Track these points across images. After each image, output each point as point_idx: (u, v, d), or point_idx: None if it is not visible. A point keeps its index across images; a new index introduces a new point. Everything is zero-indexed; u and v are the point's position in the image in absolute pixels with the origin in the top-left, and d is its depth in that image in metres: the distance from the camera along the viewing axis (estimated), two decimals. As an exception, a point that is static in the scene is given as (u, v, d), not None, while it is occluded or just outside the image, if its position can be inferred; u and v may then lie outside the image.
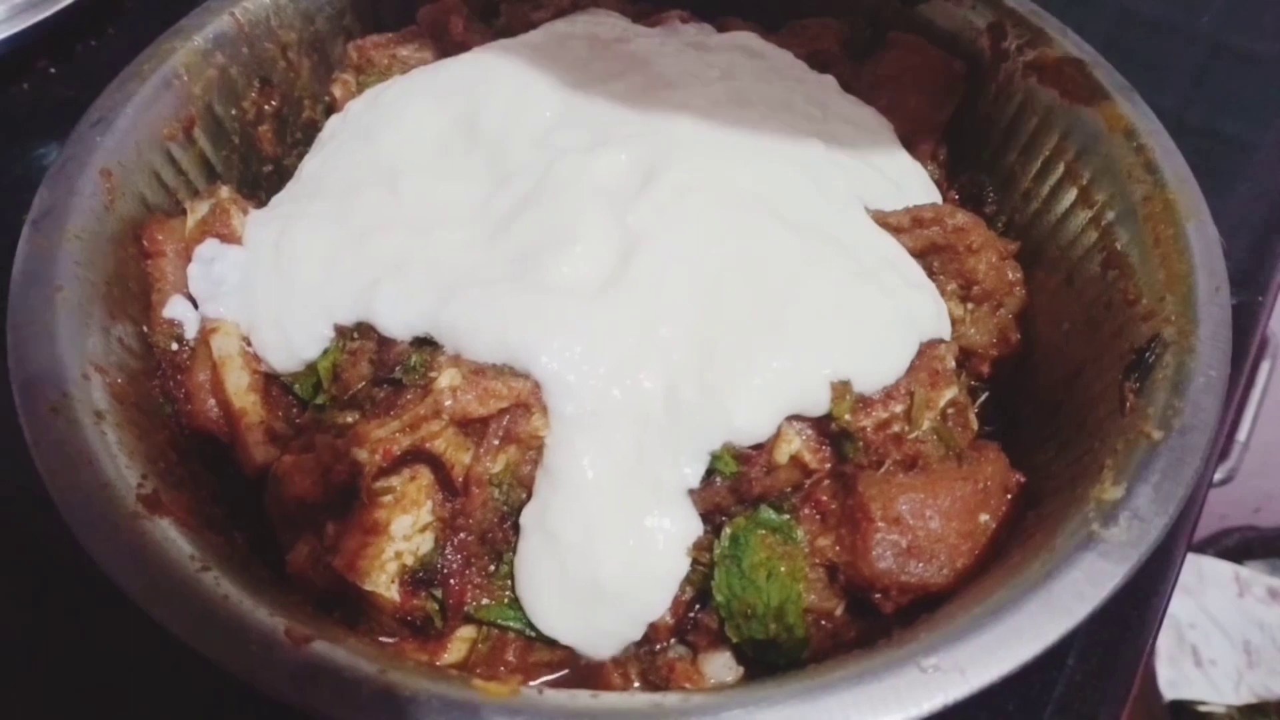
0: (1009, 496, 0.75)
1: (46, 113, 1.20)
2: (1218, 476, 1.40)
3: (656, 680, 0.72)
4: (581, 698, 0.60)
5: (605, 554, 0.69)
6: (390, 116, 0.86)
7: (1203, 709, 1.94)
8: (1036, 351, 0.88)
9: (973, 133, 0.98)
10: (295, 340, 0.77)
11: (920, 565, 0.71)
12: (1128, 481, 0.66)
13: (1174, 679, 2.01)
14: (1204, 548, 2.16)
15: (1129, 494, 0.65)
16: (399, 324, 0.75)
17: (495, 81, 0.87)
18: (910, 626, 0.64)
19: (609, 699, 0.60)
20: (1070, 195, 0.88)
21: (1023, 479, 0.76)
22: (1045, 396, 0.84)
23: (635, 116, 0.86)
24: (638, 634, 0.71)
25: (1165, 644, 2.06)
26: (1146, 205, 0.81)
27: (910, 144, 0.96)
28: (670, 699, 0.59)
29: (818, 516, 0.74)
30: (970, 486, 0.73)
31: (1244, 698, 1.98)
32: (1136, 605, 0.84)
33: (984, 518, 0.73)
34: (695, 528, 0.72)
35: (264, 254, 0.80)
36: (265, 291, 0.79)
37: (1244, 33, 1.33)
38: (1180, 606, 2.04)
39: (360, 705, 0.57)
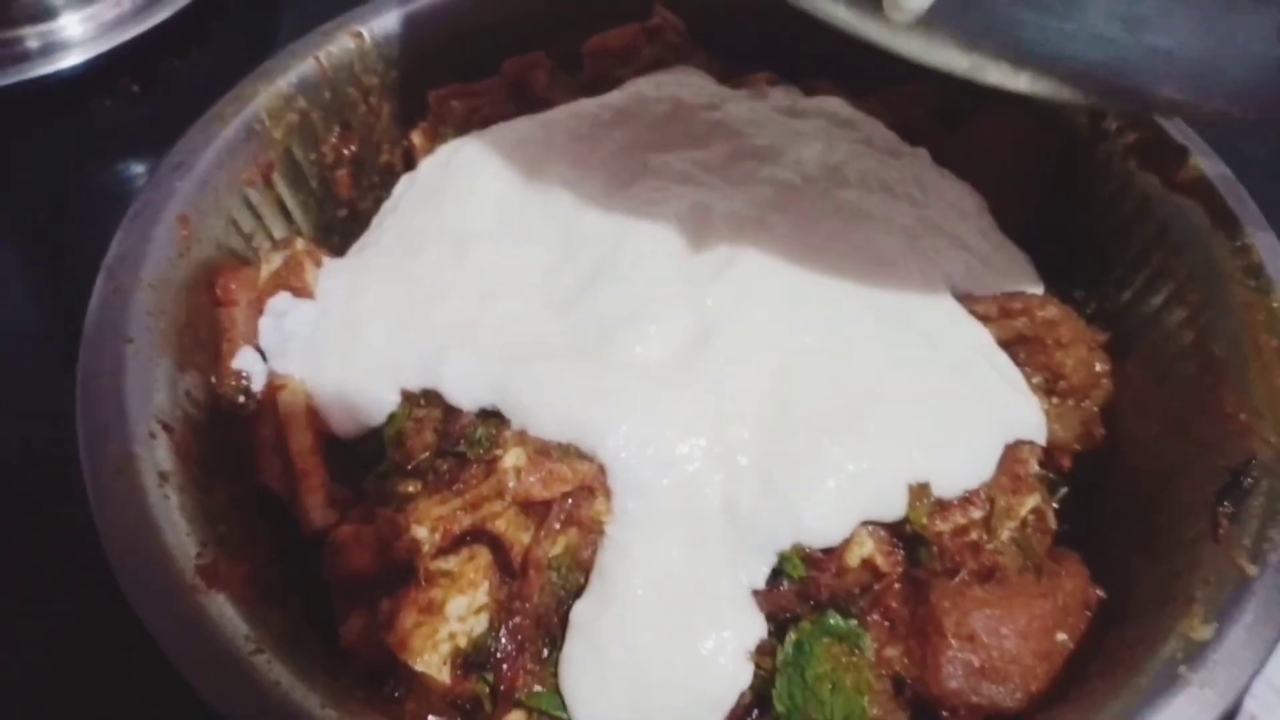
0: (1088, 614, 0.72)
1: (130, 131, 1.21)
2: None
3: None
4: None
5: (654, 671, 0.67)
6: (459, 180, 0.84)
7: None
8: (1123, 449, 0.84)
9: (1066, 213, 0.94)
10: (359, 405, 0.76)
11: (992, 687, 0.68)
12: (1218, 621, 0.63)
13: None
14: None
15: (1219, 636, 0.62)
16: (465, 395, 0.74)
17: (557, 146, 0.85)
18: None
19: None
20: (1165, 290, 0.84)
21: (1103, 595, 0.73)
22: (1132, 500, 0.80)
23: (720, 186, 0.84)
24: None
25: None
26: (1247, 311, 0.77)
27: (997, 220, 0.93)
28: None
29: (886, 624, 0.72)
30: (1049, 604, 0.70)
31: None
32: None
33: (1061, 637, 0.70)
34: (759, 631, 0.69)
35: (334, 311, 0.80)
36: (332, 350, 0.78)
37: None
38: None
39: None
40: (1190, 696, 0.60)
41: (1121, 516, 0.80)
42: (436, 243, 0.81)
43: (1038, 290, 0.89)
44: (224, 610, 0.63)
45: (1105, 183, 0.91)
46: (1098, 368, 0.85)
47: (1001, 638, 0.68)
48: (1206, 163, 0.85)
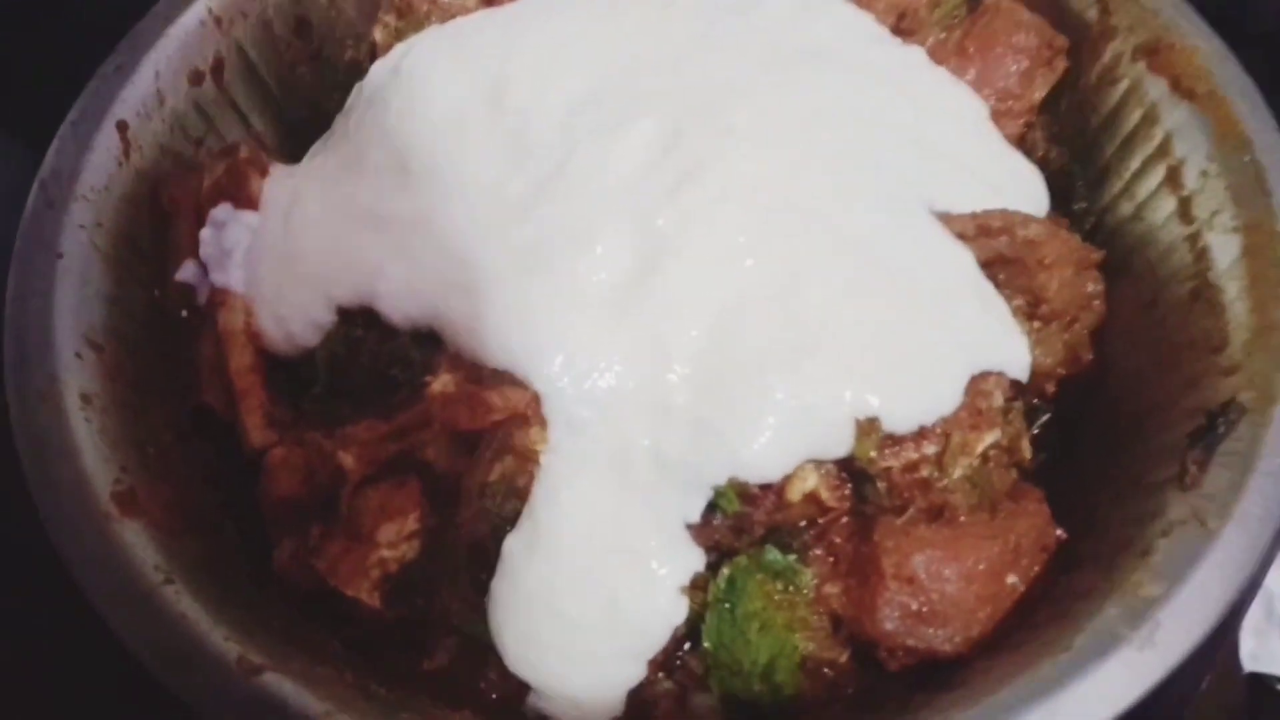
0: (1045, 556, 0.68)
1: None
2: None
3: (641, 713, 0.69)
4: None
5: (583, 610, 0.65)
6: (406, 84, 0.80)
7: None
8: (1110, 375, 0.79)
9: (1069, 117, 0.87)
10: (293, 322, 0.74)
11: (930, 630, 0.65)
12: (1168, 581, 0.59)
13: (1257, 652, 1.90)
14: None
15: (1166, 596, 0.58)
16: (399, 312, 0.71)
17: (526, 46, 0.80)
18: (896, 709, 0.59)
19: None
20: (1169, 205, 0.78)
21: (1064, 535, 0.69)
22: (1110, 435, 0.76)
23: (680, 89, 0.79)
24: (612, 699, 0.67)
25: (1253, 615, 1.94)
26: (1250, 235, 0.71)
27: (996, 124, 0.86)
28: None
29: (830, 560, 0.69)
30: (999, 546, 0.67)
31: None
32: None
33: (1012, 579, 0.67)
34: (693, 565, 0.67)
35: (273, 223, 0.77)
36: (268, 264, 0.75)
37: None
38: (1274, 578, 1.92)
39: (301, 750, 0.55)
40: (1125, 659, 0.56)
41: (1098, 451, 0.76)
42: (378, 151, 0.77)
43: (1042, 208, 0.83)
44: (137, 538, 0.63)
45: (1113, 85, 0.83)
46: (1089, 288, 0.79)
47: (943, 580, 0.65)
48: (1220, 65, 0.77)
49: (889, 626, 0.65)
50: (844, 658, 0.68)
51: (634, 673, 0.67)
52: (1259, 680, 1.87)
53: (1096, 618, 0.59)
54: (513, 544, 0.68)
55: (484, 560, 0.70)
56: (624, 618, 0.66)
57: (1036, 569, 0.67)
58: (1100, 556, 0.65)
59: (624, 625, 0.66)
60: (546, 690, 0.67)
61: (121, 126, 0.78)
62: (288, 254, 0.75)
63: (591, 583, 0.66)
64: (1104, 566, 0.63)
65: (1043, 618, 0.64)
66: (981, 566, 0.66)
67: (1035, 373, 0.78)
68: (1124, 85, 0.82)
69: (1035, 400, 0.80)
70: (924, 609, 0.65)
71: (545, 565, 0.66)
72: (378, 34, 0.91)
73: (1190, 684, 0.80)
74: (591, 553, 0.66)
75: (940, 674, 0.65)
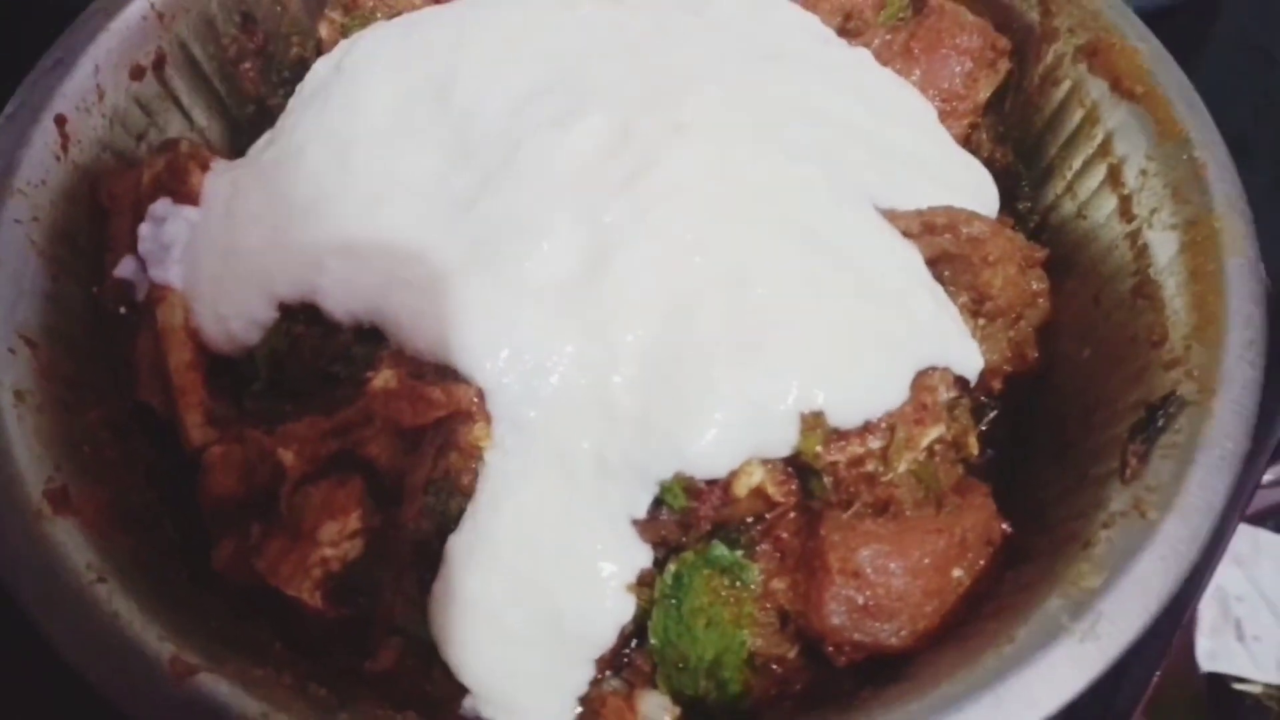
0: (991, 550, 0.69)
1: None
2: (1270, 478, 1.29)
3: (586, 713, 0.68)
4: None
5: (526, 615, 0.64)
6: (348, 80, 0.79)
7: (1239, 686, 1.85)
8: (1056, 372, 0.80)
9: (1013, 117, 0.88)
10: (233, 320, 0.72)
11: (876, 625, 0.65)
12: (1109, 572, 0.59)
13: (1214, 651, 1.92)
14: (1263, 520, 2.05)
15: (1107, 587, 0.58)
16: (341, 308, 0.70)
17: (473, 41, 0.79)
18: (843, 705, 0.59)
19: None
20: (1110, 203, 0.79)
21: (1009, 530, 0.70)
22: (1056, 429, 0.76)
23: (629, 86, 0.78)
24: (555, 712, 0.66)
25: (1209, 615, 1.96)
26: (1188, 231, 0.72)
27: (942, 124, 0.86)
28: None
29: (777, 554, 0.69)
30: (945, 540, 0.67)
31: None
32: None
33: (957, 573, 0.67)
34: (640, 561, 0.66)
35: (213, 218, 0.76)
36: (207, 260, 0.74)
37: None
38: (1229, 578, 1.94)
39: (235, 753, 0.54)
40: (1068, 650, 0.56)
41: (1044, 447, 0.76)
42: (319, 147, 0.76)
43: (991, 206, 0.83)
44: (69, 537, 0.61)
45: (1055, 86, 0.85)
46: (1033, 286, 0.80)
47: (889, 575, 0.65)
48: (1159, 66, 0.78)
49: (835, 621, 0.65)
50: (792, 654, 0.68)
51: (582, 677, 0.67)
52: (1217, 679, 1.88)
53: (1040, 610, 0.59)
54: (455, 545, 0.67)
55: (429, 560, 0.69)
56: (569, 625, 0.65)
57: (982, 563, 0.68)
58: (1044, 550, 0.66)
59: (570, 633, 0.65)
60: (493, 697, 0.66)
61: (60, 120, 0.76)
62: (228, 249, 0.74)
63: (534, 590, 0.65)
64: (1048, 559, 0.64)
65: (988, 611, 0.64)
66: (927, 561, 0.66)
67: (982, 370, 0.79)
68: (1066, 86, 0.84)
69: (983, 398, 0.81)
70: (870, 603, 0.65)
71: (486, 571, 0.65)
72: (323, 30, 0.90)
73: (1140, 682, 0.80)
74: (534, 557, 0.65)
75: (887, 668, 0.65)
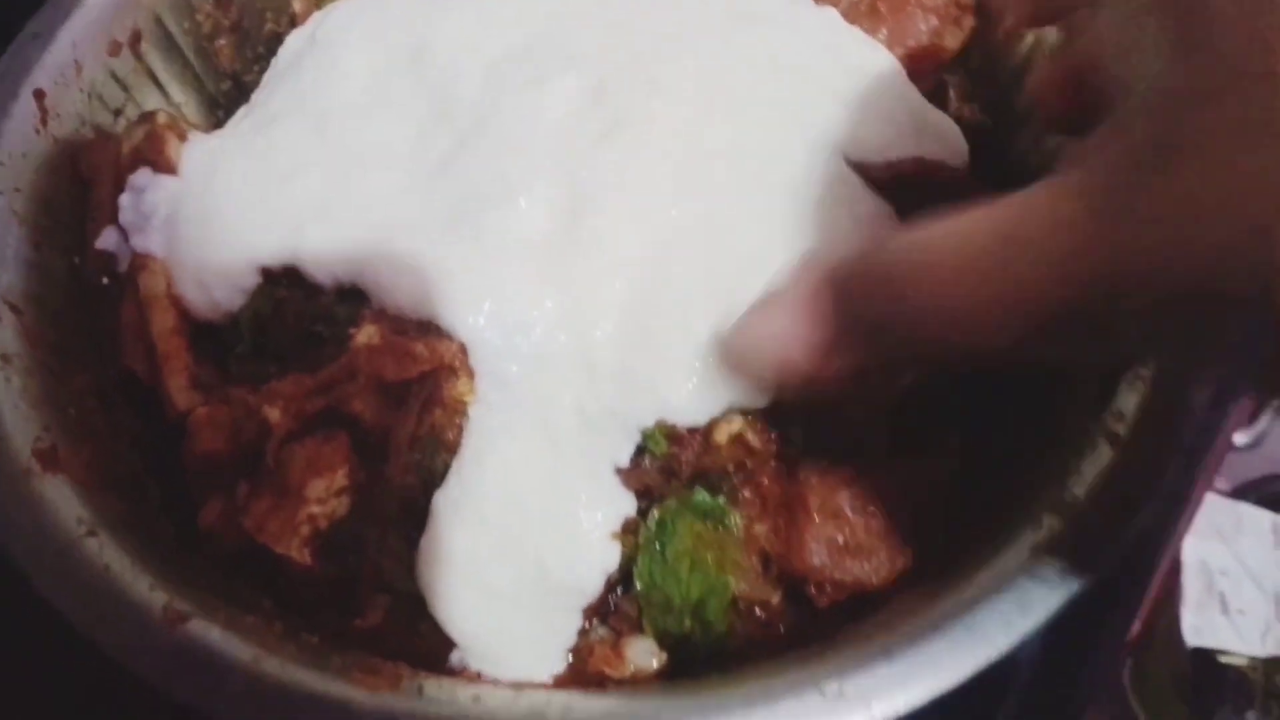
0: (961, 492, 0.70)
1: None
2: (1244, 440, 1.32)
3: (575, 661, 0.69)
4: (462, 697, 0.57)
5: (512, 566, 0.65)
6: (321, 52, 0.80)
7: (1224, 659, 1.86)
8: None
9: (979, 73, 0.89)
10: (215, 286, 0.73)
11: (857, 564, 0.66)
12: (1083, 490, 0.60)
13: (1199, 626, 1.93)
14: (1245, 493, 2.06)
15: (1079, 508, 0.60)
16: (323, 270, 0.71)
17: (448, 10, 0.80)
18: (823, 641, 0.60)
19: (490, 701, 0.57)
20: (1078, 153, 0.80)
21: (977, 470, 0.71)
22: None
23: (604, 47, 0.79)
24: (545, 663, 0.66)
25: (1193, 590, 1.97)
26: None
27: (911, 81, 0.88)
28: (554, 707, 0.56)
29: (758, 501, 0.70)
30: (919, 480, 0.68)
31: (1270, 650, 1.90)
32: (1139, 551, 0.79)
33: (933, 513, 0.68)
34: (624, 509, 0.67)
35: (193, 187, 0.76)
36: (188, 227, 0.74)
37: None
38: (1213, 553, 1.95)
39: (227, 695, 0.55)
40: (1039, 575, 0.58)
41: (1014, 395, 0.77)
42: (295, 118, 0.77)
43: (960, 157, 0.84)
44: (59, 493, 0.62)
45: (1019, 40, 0.86)
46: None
47: (868, 515, 0.67)
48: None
49: (816, 561, 0.66)
50: (775, 598, 0.69)
51: (571, 627, 0.67)
52: (1201, 654, 1.89)
53: (1015, 535, 0.60)
54: (440, 501, 0.67)
55: (416, 516, 0.69)
56: (557, 577, 0.66)
57: (953, 502, 0.69)
58: (1012, 489, 0.67)
59: (558, 584, 0.66)
60: (482, 651, 0.67)
61: (39, 94, 0.77)
62: (208, 217, 0.75)
63: (521, 544, 0.66)
64: (1015, 495, 0.65)
65: (964, 543, 0.65)
66: (904, 501, 0.67)
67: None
68: (1029, 39, 0.85)
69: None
70: (850, 543, 0.66)
71: (473, 527, 0.66)
72: (297, 4, 0.91)
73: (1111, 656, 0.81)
74: (520, 511, 0.66)
75: (867, 607, 0.66)
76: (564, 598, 0.67)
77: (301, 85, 0.78)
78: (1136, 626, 0.86)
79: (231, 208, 0.74)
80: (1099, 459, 0.62)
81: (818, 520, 0.66)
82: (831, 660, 0.56)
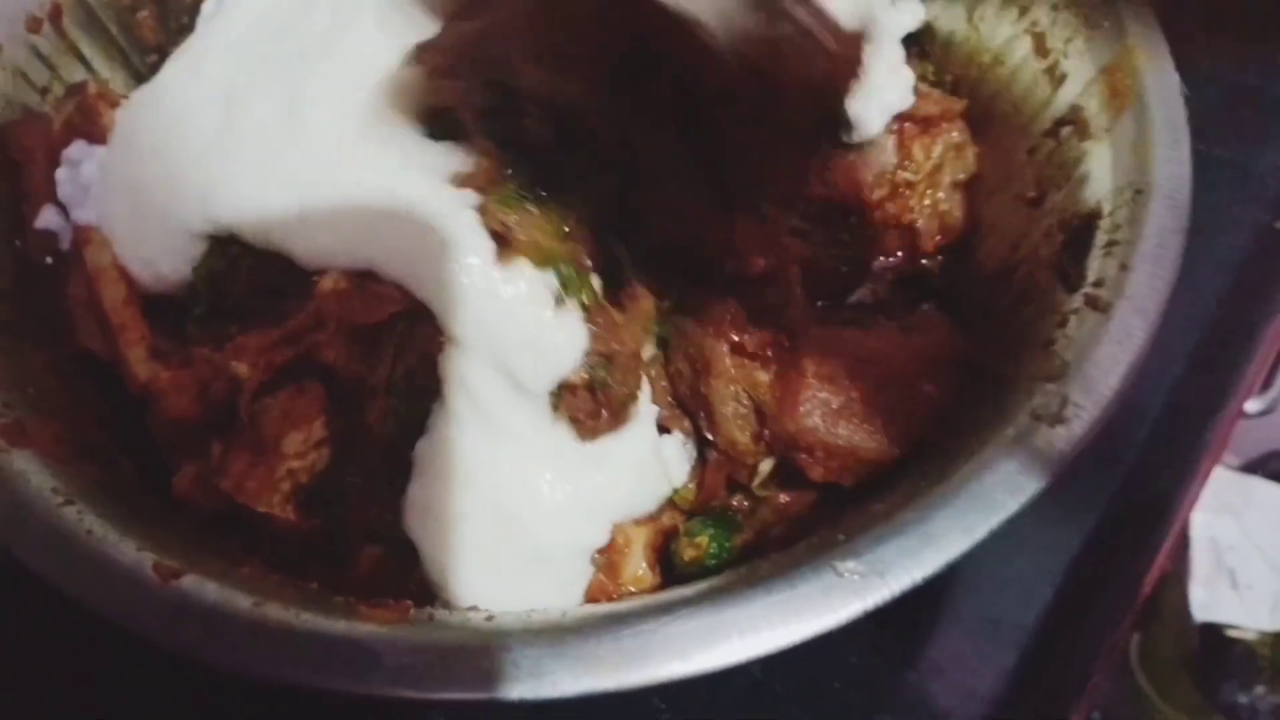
0: (955, 368, 0.69)
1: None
2: (1256, 407, 1.30)
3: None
4: (475, 620, 0.56)
5: (507, 509, 0.64)
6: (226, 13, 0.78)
7: (1233, 633, 1.86)
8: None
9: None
10: (161, 266, 0.71)
11: (850, 428, 0.66)
12: (1068, 363, 0.60)
13: (1207, 601, 1.92)
14: (1255, 468, 2.06)
15: (1069, 377, 0.60)
16: (252, 234, 0.69)
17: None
18: (829, 524, 0.60)
19: (503, 620, 0.56)
20: (1024, 46, 0.80)
21: (970, 348, 0.71)
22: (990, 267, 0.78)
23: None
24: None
25: (1202, 565, 1.96)
26: (1104, 51, 0.74)
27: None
28: (570, 617, 0.55)
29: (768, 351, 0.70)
30: (914, 352, 0.68)
31: (1278, 625, 1.92)
32: (1147, 517, 0.80)
33: (927, 386, 0.68)
34: None
35: (117, 153, 0.73)
36: (118, 198, 0.72)
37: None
38: (1222, 528, 1.95)
39: (232, 643, 0.53)
40: (1040, 438, 0.57)
41: (979, 284, 0.78)
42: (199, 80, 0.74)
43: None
44: (30, 465, 0.59)
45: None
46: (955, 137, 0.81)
47: (864, 380, 0.66)
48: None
49: (809, 423, 0.66)
50: (766, 467, 0.69)
51: (584, 574, 0.66)
52: (1209, 628, 1.90)
53: (1009, 407, 0.60)
54: (422, 449, 0.66)
55: (399, 463, 0.68)
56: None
57: (952, 379, 0.69)
58: (1005, 356, 0.67)
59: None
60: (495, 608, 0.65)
61: (-40, 76, 0.74)
62: (133, 184, 0.72)
63: (501, 506, 0.64)
64: (1010, 363, 0.65)
65: (955, 424, 0.65)
66: (900, 370, 0.67)
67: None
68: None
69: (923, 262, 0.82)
70: (844, 407, 0.66)
71: (453, 467, 0.64)
72: (217, -29, 0.88)
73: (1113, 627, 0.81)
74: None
75: (864, 496, 0.66)
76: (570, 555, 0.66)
77: (206, 45, 0.76)
78: (1143, 597, 0.86)
79: (153, 173, 0.71)
80: (1084, 323, 0.62)
81: (813, 384, 0.66)
82: (843, 541, 0.55)
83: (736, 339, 0.68)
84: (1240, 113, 0.94)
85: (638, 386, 0.67)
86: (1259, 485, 2.01)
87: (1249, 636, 1.83)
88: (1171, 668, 1.71)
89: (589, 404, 0.65)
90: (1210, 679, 1.73)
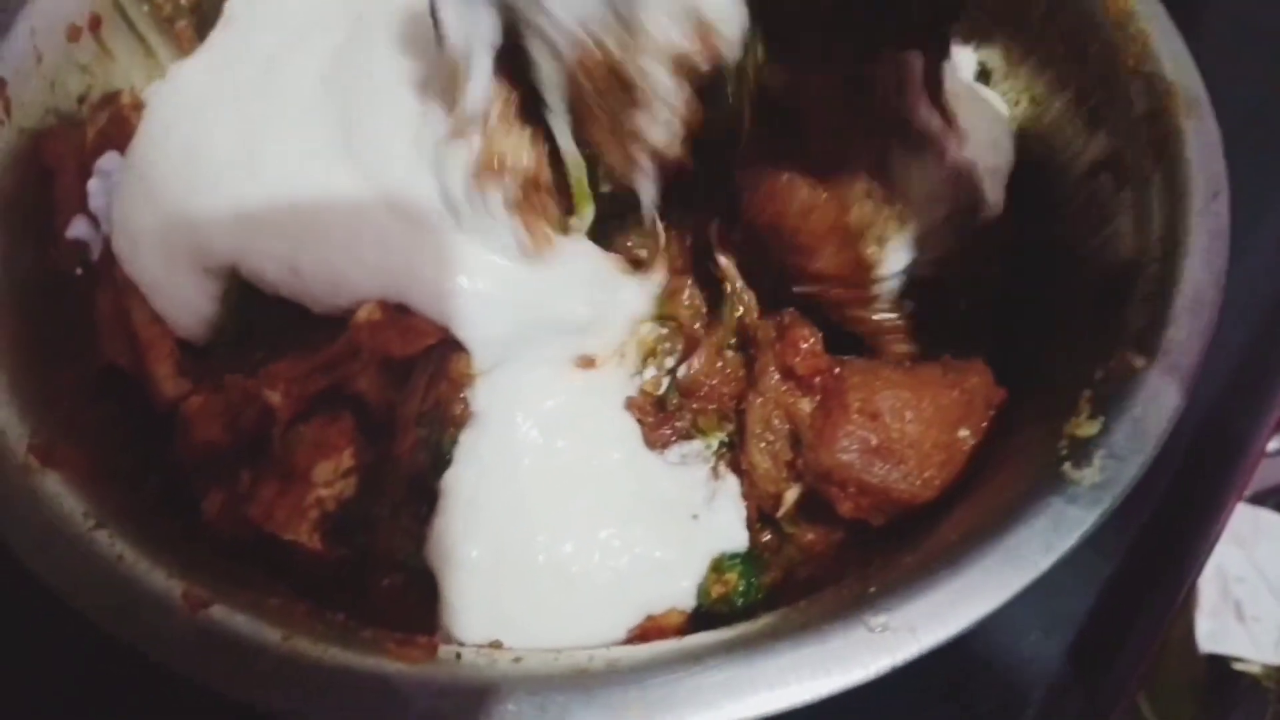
0: (991, 413, 0.69)
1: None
2: (1275, 446, 1.30)
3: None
4: (502, 661, 0.56)
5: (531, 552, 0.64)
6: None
7: (1238, 666, 1.84)
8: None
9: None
10: (184, 315, 0.71)
11: (885, 467, 0.65)
12: (1104, 416, 0.60)
13: (1214, 632, 1.89)
14: (1264, 499, 2.04)
15: (1104, 430, 0.59)
16: (270, 284, 0.69)
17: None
18: (858, 569, 0.59)
19: (530, 662, 0.55)
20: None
21: (1006, 393, 0.70)
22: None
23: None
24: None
25: (1209, 596, 1.93)
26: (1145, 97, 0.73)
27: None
28: (597, 662, 0.55)
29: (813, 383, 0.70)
30: (954, 396, 0.67)
31: None
32: (1172, 556, 0.80)
33: (964, 433, 0.67)
34: None
35: (136, 159, 0.74)
36: (134, 207, 0.72)
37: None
38: (1230, 559, 1.92)
39: (259, 677, 0.53)
40: (1072, 495, 0.57)
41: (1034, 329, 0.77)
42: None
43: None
44: (61, 488, 0.59)
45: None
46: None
47: (904, 421, 0.66)
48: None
49: (845, 458, 0.65)
50: (791, 495, 0.69)
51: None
52: (1216, 660, 1.89)
53: (1044, 460, 0.60)
54: (450, 480, 0.66)
55: (425, 494, 0.68)
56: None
57: (986, 425, 0.68)
58: (1036, 417, 0.66)
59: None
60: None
61: None
62: (147, 194, 0.72)
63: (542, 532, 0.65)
64: (1039, 423, 0.65)
65: (991, 471, 0.65)
66: (938, 413, 0.67)
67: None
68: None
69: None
70: (882, 445, 0.66)
71: (482, 502, 0.65)
72: (254, -18, 0.88)
73: (1137, 660, 0.80)
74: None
75: (891, 538, 0.65)
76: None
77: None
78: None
79: (169, 191, 0.71)
80: (1122, 376, 0.61)
81: (855, 420, 0.66)
82: (873, 593, 0.55)
83: (789, 363, 0.69)
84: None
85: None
86: (1268, 517, 1.99)
87: (1255, 670, 1.81)
88: (1178, 698, 1.70)
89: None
90: (1217, 711, 1.72)
